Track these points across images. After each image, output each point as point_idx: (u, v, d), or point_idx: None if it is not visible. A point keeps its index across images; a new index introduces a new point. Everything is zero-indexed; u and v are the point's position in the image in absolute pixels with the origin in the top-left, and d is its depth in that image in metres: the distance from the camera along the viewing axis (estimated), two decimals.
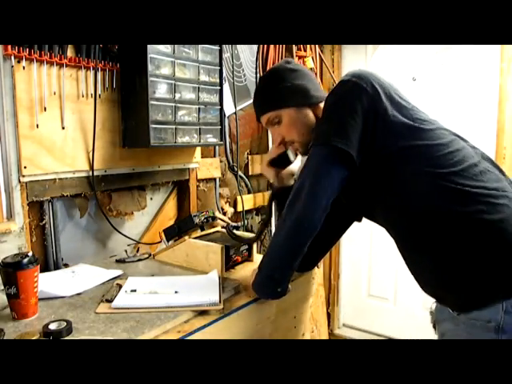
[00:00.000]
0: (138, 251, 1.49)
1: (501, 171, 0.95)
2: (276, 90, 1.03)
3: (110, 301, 0.96)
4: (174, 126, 1.35)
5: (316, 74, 2.20)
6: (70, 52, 1.22)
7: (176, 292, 1.01)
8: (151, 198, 1.60)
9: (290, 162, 1.12)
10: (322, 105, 1.02)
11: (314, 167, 0.91)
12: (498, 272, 0.82)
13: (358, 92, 0.89)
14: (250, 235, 1.35)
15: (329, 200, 0.90)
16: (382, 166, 0.91)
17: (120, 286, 1.06)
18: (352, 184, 0.95)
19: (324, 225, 1.17)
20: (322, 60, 2.29)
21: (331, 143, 0.88)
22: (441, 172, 0.86)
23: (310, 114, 1.04)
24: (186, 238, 1.27)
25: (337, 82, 0.96)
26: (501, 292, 0.82)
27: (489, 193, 0.85)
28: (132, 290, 1.02)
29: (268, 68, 1.99)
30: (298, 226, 0.92)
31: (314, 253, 1.20)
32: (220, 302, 0.95)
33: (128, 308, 0.93)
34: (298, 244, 0.94)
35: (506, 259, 0.82)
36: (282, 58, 2.05)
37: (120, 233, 1.44)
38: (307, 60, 2.14)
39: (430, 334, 0.98)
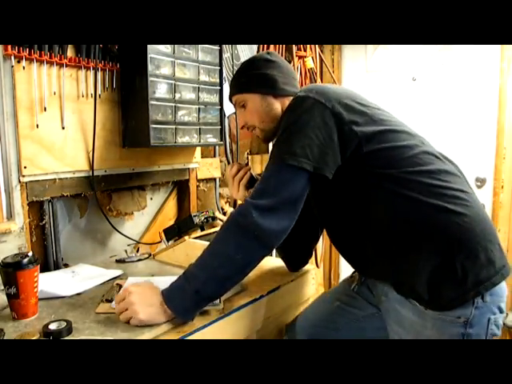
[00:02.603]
0: (138, 251, 1.49)
1: (459, 170, 0.97)
2: (245, 76, 1.06)
3: (110, 301, 0.96)
4: (174, 126, 1.35)
5: (316, 73, 2.20)
6: (70, 52, 1.22)
7: None
8: (151, 198, 1.60)
9: (256, 181, 1.12)
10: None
11: (286, 190, 0.86)
12: (471, 272, 0.84)
13: (317, 108, 0.88)
14: None
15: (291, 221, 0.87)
16: (351, 170, 0.91)
17: (120, 286, 1.05)
18: (323, 193, 0.98)
19: (305, 219, 1.17)
20: (322, 60, 2.29)
21: (300, 165, 0.85)
22: (408, 171, 0.88)
23: (276, 104, 1.04)
24: (186, 237, 1.27)
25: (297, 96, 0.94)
26: (472, 291, 0.83)
27: (455, 194, 0.87)
28: None
29: None
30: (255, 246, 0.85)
31: (302, 248, 1.21)
32: (220, 302, 0.95)
33: None
34: (247, 266, 0.88)
35: (476, 258, 0.84)
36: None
37: (120, 233, 1.44)
38: (307, 60, 2.14)
39: None
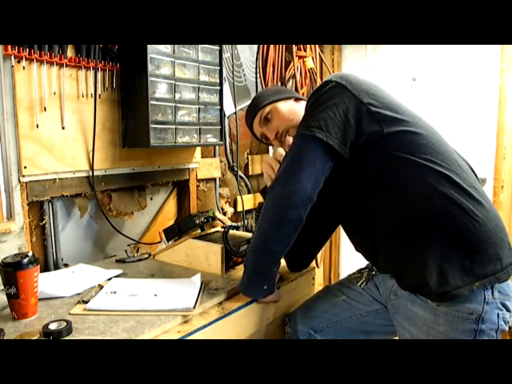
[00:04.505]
0: (137, 251, 1.49)
1: (470, 167, 0.99)
2: (263, 96, 1.18)
3: (86, 302, 0.95)
4: (174, 126, 1.35)
5: (316, 73, 2.20)
6: (70, 52, 1.22)
7: (155, 295, 0.99)
8: (151, 198, 1.60)
9: None
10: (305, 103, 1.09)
11: (298, 154, 0.95)
12: (477, 264, 0.85)
13: (339, 90, 0.94)
14: (249, 235, 1.35)
15: (314, 186, 0.92)
16: (370, 153, 0.94)
17: (101, 287, 1.05)
18: (339, 178, 0.99)
19: (313, 222, 1.19)
20: (322, 60, 2.29)
21: (313, 134, 0.92)
22: (425, 158, 0.90)
23: (296, 105, 1.14)
24: (186, 237, 1.27)
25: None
26: (478, 281, 0.85)
27: (468, 189, 0.89)
28: (112, 292, 1.01)
29: (268, 68, 2.00)
30: (281, 208, 0.94)
31: (306, 250, 1.21)
32: (195, 307, 0.93)
33: (102, 310, 0.92)
34: (281, 231, 0.95)
35: (485, 252, 0.86)
36: (282, 57, 2.06)
37: (120, 233, 1.44)
38: (307, 60, 2.14)
39: None
